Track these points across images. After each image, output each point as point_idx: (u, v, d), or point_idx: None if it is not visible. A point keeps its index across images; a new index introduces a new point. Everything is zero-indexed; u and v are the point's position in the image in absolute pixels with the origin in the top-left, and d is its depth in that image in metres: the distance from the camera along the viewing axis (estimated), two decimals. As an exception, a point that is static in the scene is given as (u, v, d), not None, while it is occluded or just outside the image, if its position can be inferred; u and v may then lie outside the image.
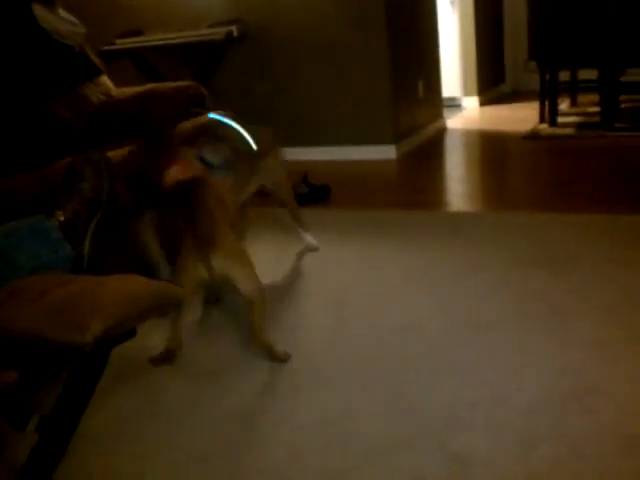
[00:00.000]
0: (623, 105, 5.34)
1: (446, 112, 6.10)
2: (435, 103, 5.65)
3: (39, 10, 3.30)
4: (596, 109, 5.24)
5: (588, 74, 5.45)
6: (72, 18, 3.40)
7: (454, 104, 6.74)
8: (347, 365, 2.01)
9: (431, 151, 5.01)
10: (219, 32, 4.57)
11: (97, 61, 3.56)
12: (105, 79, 3.53)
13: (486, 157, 4.85)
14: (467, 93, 6.77)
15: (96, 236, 1.79)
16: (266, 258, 2.91)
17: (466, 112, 6.55)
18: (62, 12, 3.40)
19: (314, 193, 3.82)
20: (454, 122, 6.01)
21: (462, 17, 6.56)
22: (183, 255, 1.92)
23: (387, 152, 4.67)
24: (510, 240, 2.87)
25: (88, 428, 1.71)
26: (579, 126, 5.13)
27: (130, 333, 1.43)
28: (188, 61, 4.91)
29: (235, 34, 4.62)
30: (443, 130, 5.69)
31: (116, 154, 2.65)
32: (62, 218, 1.74)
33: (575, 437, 1.57)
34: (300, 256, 2.94)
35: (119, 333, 1.38)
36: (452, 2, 6.55)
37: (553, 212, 3.17)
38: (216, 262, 1.87)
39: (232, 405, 1.87)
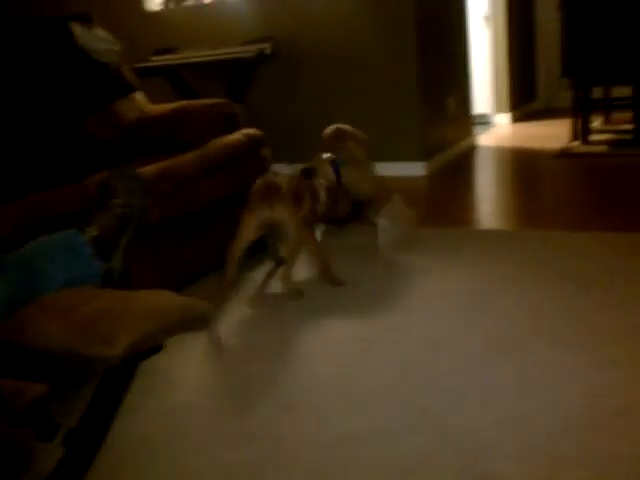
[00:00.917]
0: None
1: (477, 129, 6.08)
2: (466, 120, 5.63)
3: (77, 28, 3.38)
4: (630, 127, 5.18)
5: (622, 91, 5.39)
6: (109, 36, 3.48)
7: (485, 121, 6.71)
8: (374, 381, 2.01)
9: (461, 168, 4.99)
10: (251, 50, 4.63)
11: (132, 78, 3.63)
12: (139, 96, 3.60)
13: (517, 175, 4.81)
14: (499, 110, 6.74)
15: (127, 251, 1.81)
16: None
17: (497, 129, 6.52)
18: (99, 30, 3.48)
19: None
20: (485, 139, 5.98)
21: (494, 33, 6.55)
22: (249, 203, 2.68)
23: (416, 169, 4.67)
24: (540, 258, 2.85)
25: (114, 442, 1.73)
26: (612, 144, 5.07)
27: (158, 348, 1.44)
28: (221, 78, 4.98)
29: (267, 52, 4.67)
30: (474, 147, 5.67)
31: (148, 170, 2.70)
32: (94, 233, 1.78)
33: (604, 459, 1.54)
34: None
35: (147, 347, 1.40)
36: (486, 18, 6.54)
37: (584, 231, 3.13)
38: (274, 209, 2.62)
39: (256, 422, 1.87)
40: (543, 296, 2.48)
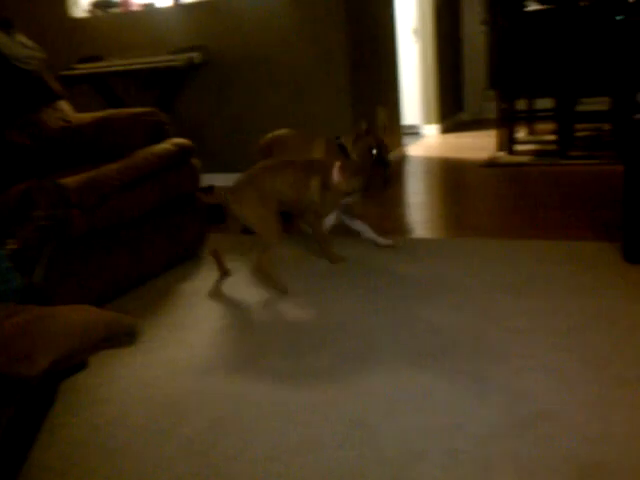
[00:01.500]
0: (578, 134, 5.47)
1: (406, 140, 6.18)
2: (395, 131, 5.72)
3: (-3, 35, 3.27)
4: (552, 137, 5.36)
5: (545, 103, 5.59)
6: (31, 43, 3.38)
7: (414, 132, 6.83)
8: (303, 394, 2.00)
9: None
10: (180, 59, 4.58)
11: (56, 86, 3.54)
12: (64, 104, 3.51)
13: (445, 184, 4.91)
14: (427, 121, 6.87)
15: (49, 265, 1.75)
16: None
17: (426, 140, 6.64)
18: (21, 37, 3.38)
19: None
20: (414, 150, 6.08)
21: (423, 46, 6.68)
22: None
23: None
24: (468, 266, 2.90)
25: (36, 463, 1.67)
26: (536, 154, 5.24)
27: (81, 365, 1.40)
28: (149, 87, 4.90)
29: (196, 61, 4.63)
30: (404, 157, 5.76)
31: (73, 180, 2.63)
32: (13, 246, 1.71)
33: (530, 464, 1.58)
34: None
35: (69, 365, 1.35)
36: (414, 32, 6.66)
37: (510, 238, 3.22)
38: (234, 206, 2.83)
39: (185, 438, 1.83)
40: (467, 303, 2.53)
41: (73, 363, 1.36)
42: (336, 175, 2.94)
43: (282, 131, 3.58)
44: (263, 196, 2.81)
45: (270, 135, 3.57)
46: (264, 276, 2.85)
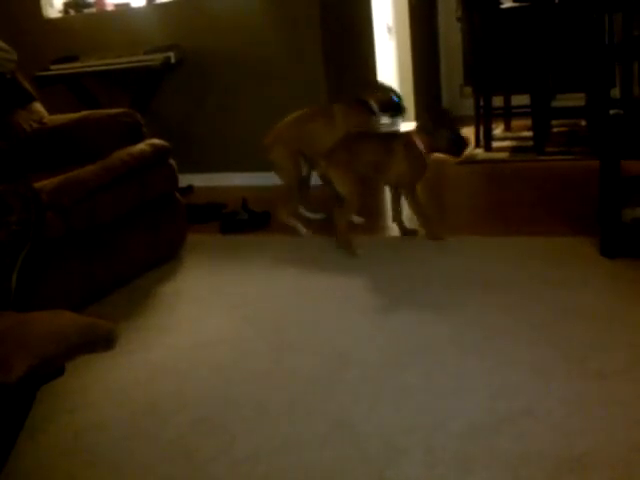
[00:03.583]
0: (554, 129, 5.51)
1: (385, 137, 6.17)
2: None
3: (-32, 36, 3.23)
4: (529, 134, 5.39)
5: (521, 99, 5.62)
6: (2, 44, 3.34)
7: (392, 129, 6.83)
8: (285, 394, 2.00)
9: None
10: (156, 58, 4.54)
11: (30, 88, 3.50)
12: (38, 106, 3.48)
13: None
14: (404, 118, 6.87)
15: (24, 271, 1.73)
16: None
17: (404, 137, 6.64)
18: (-7, 38, 3.34)
19: (254, 219, 3.81)
20: (393, 147, 6.07)
21: (399, 44, 6.68)
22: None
23: (327, 177, 4.69)
24: (446, 263, 2.92)
25: (14, 471, 1.65)
26: (513, 150, 5.26)
27: (59, 371, 1.38)
28: (125, 87, 4.87)
29: (172, 60, 4.60)
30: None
31: (48, 183, 2.61)
32: (-13, 252, 1.69)
33: (511, 460, 1.59)
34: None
35: (46, 371, 1.34)
36: (389, 29, 6.67)
37: (487, 235, 3.24)
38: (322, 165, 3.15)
39: (168, 441, 1.83)
40: (445, 301, 2.54)
41: (50, 369, 1.35)
42: (419, 143, 3.26)
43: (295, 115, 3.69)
44: (353, 160, 3.11)
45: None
46: (343, 239, 3.15)
